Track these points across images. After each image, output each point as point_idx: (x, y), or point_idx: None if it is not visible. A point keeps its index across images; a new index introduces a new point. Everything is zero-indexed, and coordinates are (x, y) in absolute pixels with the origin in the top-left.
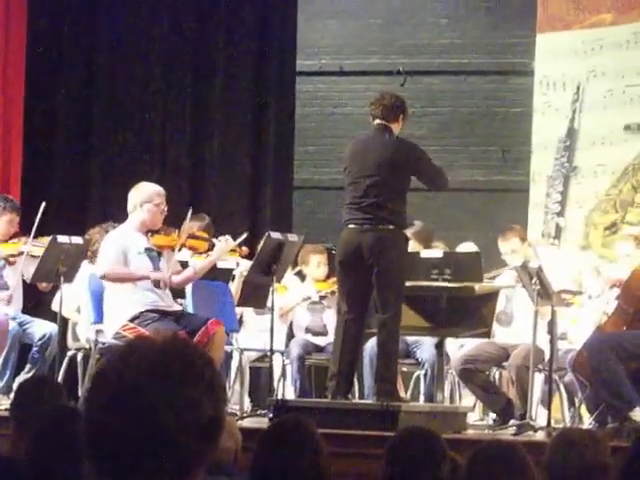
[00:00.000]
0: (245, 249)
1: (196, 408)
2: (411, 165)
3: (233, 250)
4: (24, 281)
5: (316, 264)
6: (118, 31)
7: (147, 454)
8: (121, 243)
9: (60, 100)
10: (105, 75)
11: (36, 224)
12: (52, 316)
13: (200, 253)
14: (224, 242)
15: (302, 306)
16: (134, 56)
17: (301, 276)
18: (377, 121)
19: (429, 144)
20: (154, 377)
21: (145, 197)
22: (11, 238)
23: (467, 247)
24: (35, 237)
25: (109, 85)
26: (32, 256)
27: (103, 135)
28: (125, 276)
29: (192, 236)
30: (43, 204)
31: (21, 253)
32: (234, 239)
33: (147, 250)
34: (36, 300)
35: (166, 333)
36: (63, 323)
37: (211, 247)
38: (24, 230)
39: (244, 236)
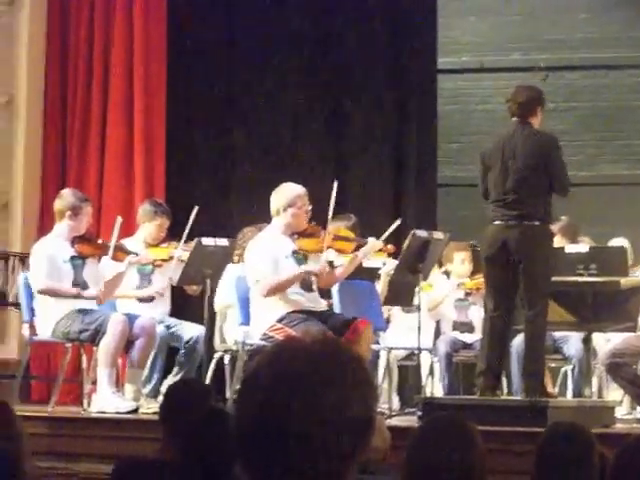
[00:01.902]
0: (391, 247)
1: (347, 408)
2: (547, 153)
3: (380, 250)
4: (172, 285)
5: (460, 261)
6: (255, 36)
7: (299, 454)
8: (269, 251)
9: (201, 105)
10: (242, 76)
11: (187, 229)
12: (201, 319)
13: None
14: (371, 243)
15: (449, 303)
16: (271, 61)
17: (446, 274)
18: (515, 118)
19: (571, 139)
20: (305, 378)
21: (288, 201)
22: (160, 243)
23: (618, 242)
24: (185, 242)
25: (247, 86)
26: (182, 261)
27: (244, 137)
28: (286, 282)
29: (338, 237)
30: (196, 208)
31: (171, 258)
32: (381, 233)
33: (294, 253)
34: (183, 304)
35: (315, 333)
36: (210, 325)
37: (358, 247)
38: (169, 234)
39: (396, 224)
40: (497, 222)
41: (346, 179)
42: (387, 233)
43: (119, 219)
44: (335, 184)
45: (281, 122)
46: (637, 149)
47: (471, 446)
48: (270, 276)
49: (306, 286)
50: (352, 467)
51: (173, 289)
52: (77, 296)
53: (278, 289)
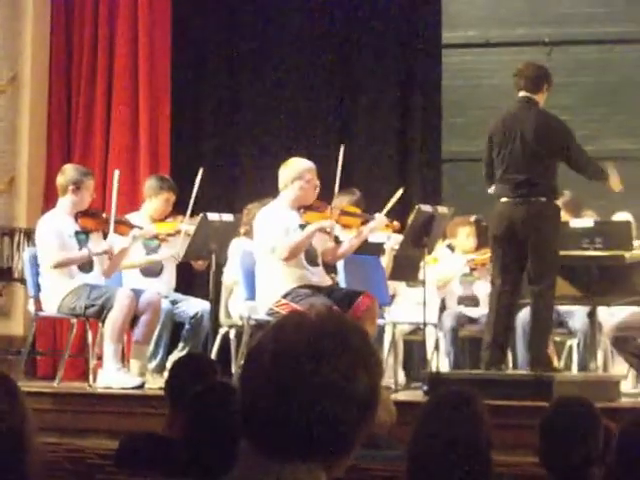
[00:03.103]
0: (397, 224)
1: (352, 382)
2: (559, 140)
3: (385, 225)
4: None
5: (465, 236)
6: (263, 11)
7: (303, 429)
8: (280, 220)
9: (207, 79)
10: (250, 50)
11: (192, 200)
12: (206, 294)
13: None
14: (377, 220)
15: (455, 278)
16: (279, 35)
17: (451, 248)
18: (521, 93)
19: (576, 114)
20: (309, 352)
21: (295, 174)
22: (166, 218)
23: (622, 217)
24: (190, 216)
25: (254, 60)
26: (188, 235)
27: (250, 112)
28: (303, 240)
29: (344, 212)
30: (201, 170)
31: (178, 232)
32: (384, 206)
33: (301, 227)
34: (189, 279)
35: (320, 308)
36: (216, 300)
37: (363, 223)
38: (175, 210)
39: (399, 194)
40: (504, 199)
41: (351, 154)
42: (391, 203)
43: (117, 172)
44: (342, 148)
45: (287, 97)
46: None
47: (477, 420)
48: (285, 239)
49: (311, 260)
50: (357, 441)
51: (178, 265)
52: (89, 256)
53: (298, 248)
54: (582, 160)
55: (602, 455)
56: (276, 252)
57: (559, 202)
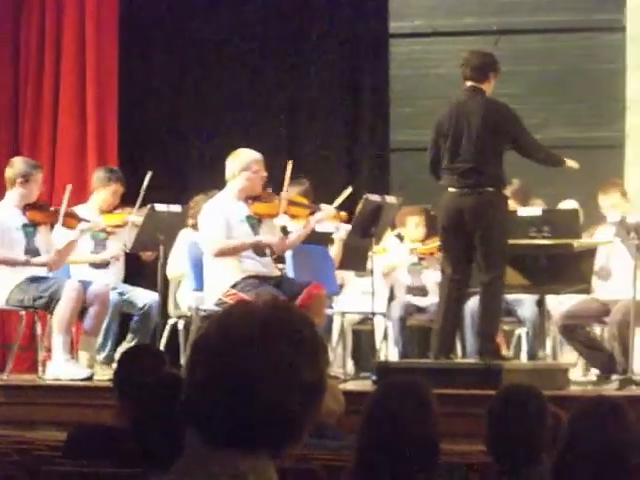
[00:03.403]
0: (344, 214)
1: (297, 371)
2: (508, 127)
3: (334, 215)
4: (125, 252)
5: (414, 225)
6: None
7: (249, 419)
8: (222, 213)
9: (154, 69)
10: (197, 39)
11: (141, 194)
12: (155, 285)
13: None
14: (325, 210)
15: (402, 268)
16: (227, 21)
17: (400, 237)
18: (468, 82)
19: (522, 102)
20: (254, 341)
21: (243, 165)
22: (114, 209)
23: (568, 205)
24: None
25: (201, 50)
26: (136, 226)
27: (198, 103)
28: (238, 248)
29: (292, 203)
30: (149, 174)
31: (126, 223)
32: (334, 199)
33: (248, 218)
34: (137, 270)
35: (266, 297)
36: (164, 291)
37: (311, 213)
38: (122, 201)
39: (348, 191)
40: (452, 189)
41: (299, 144)
42: (339, 200)
43: (69, 187)
44: (290, 163)
45: (234, 88)
46: (587, 112)
47: (425, 409)
48: (222, 238)
49: (259, 251)
50: (303, 431)
51: (127, 256)
52: (26, 264)
53: (228, 252)
54: (533, 146)
55: (551, 443)
56: (208, 246)
57: (508, 191)
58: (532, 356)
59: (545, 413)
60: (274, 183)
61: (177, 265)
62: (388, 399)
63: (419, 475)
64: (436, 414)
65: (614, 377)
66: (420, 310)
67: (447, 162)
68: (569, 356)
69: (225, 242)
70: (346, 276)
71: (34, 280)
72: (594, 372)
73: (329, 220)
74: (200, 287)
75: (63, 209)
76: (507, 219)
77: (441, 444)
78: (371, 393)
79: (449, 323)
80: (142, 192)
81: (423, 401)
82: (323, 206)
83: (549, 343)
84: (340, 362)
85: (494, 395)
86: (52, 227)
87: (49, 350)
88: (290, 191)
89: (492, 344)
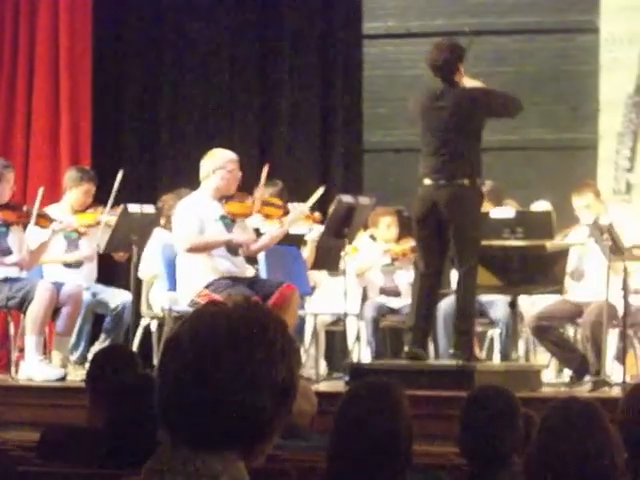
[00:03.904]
0: (318, 215)
1: (269, 372)
2: (479, 105)
3: (307, 216)
4: (98, 252)
5: (386, 226)
6: (185, 1)
7: (221, 420)
8: (197, 212)
9: (128, 69)
10: (172, 41)
11: (113, 193)
12: (128, 286)
13: (273, 219)
14: (298, 210)
15: (375, 268)
16: (200, 19)
17: (372, 238)
18: (441, 80)
19: None
20: (226, 342)
21: (218, 164)
22: (87, 208)
23: (541, 206)
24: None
25: (176, 51)
26: (109, 226)
27: (172, 102)
28: (210, 244)
29: (266, 203)
30: (120, 173)
31: (98, 223)
32: (307, 199)
33: (222, 217)
34: (110, 270)
35: (238, 298)
36: (137, 292)
37: (285, 213)
38: (95, 200)
39: (320, 191)
40: (427, 181)
41: (273, 144)
42: (311, 200)
43: (41, 190)
44: (267, 166)
45: (208, 88)
46: (562, 114)
47: (397, 411)
48: (195, 236)
49: (232, 250)
50: (275, 431)
51: (99, 256)
52: None
53: (200, 248)
54: (504, 102)
55: (523, 444)
56: (181, 243)
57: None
58: (505, 357)
59: (516, 414)
60: (247, 184)
61: (150, 266)
62: (359, 400)
63: (391, 477)
64: (408, 415)
65: (587, 378)
66: (393, 311)
67: (423, 152)
68: (542, 357)
69: (198, 238)
70: (319, 277)
71: (7, 280)
72: (567, 373)
73: (302, 221)
74: (173, 288)
75: (36, 208)
76: (480, 212)
77: (414, 446)
78: (342, 395)
79: (422, 317)
80: (114, 191)
81: (394, 402)
82: (296, 205)
83: (522, 344)
84: (312, 363)
85: (465, 396)
86: (24, 226)
87: (22, 350)
88: (264, 192)
89: (468, 338)
